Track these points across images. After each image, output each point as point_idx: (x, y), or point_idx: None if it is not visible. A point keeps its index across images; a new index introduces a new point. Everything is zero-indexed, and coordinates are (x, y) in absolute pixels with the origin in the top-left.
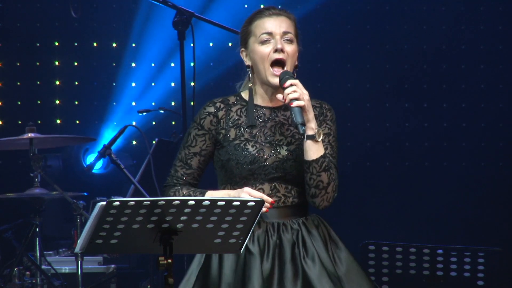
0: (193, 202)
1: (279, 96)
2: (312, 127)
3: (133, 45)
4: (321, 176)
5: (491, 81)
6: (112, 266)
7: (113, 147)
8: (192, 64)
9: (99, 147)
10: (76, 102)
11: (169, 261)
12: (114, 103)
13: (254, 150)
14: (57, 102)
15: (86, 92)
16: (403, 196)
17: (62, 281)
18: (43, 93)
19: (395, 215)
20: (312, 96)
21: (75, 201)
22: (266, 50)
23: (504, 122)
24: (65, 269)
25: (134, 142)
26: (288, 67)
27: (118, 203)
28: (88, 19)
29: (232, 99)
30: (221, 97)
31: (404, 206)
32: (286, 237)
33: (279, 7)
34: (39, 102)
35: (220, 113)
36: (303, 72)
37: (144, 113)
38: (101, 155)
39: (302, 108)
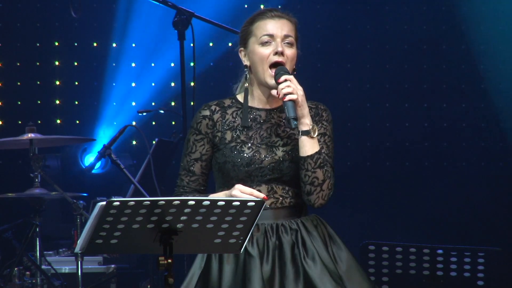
0: (193, 202)
1: (274, 91)
2: (307, 123)
3: (133, 45)
4: (316, 173)
5: (491, 81)
6: (112, 266)
7: (113, 147)
8: (192, 64)
9: (98, 147)
10: (76, 102)
11: (169, 261)
12: (114, 103)
13: (250, 152)
14: (57, 102)
15: (86, 92)
16: (403, 196)
17: (62, 281)
18: (43, 93)
19: (395, 215)
20: (311, 96)
21: (75, 201)
22: (266, 51)
23: (504, 122)
24: (65, 269)
25: (134, 142)
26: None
27: (118, 203)
28: (88, 19)
29: (227, 101)
30: (216, 100)
31: (404, 206)
32: (286, 238)
33: (279, 7)
34: (39, 102)
35: (216, 116)
36: (303, 72)
37: (144, 113)
38: (101, 155)
39: (295, 103)
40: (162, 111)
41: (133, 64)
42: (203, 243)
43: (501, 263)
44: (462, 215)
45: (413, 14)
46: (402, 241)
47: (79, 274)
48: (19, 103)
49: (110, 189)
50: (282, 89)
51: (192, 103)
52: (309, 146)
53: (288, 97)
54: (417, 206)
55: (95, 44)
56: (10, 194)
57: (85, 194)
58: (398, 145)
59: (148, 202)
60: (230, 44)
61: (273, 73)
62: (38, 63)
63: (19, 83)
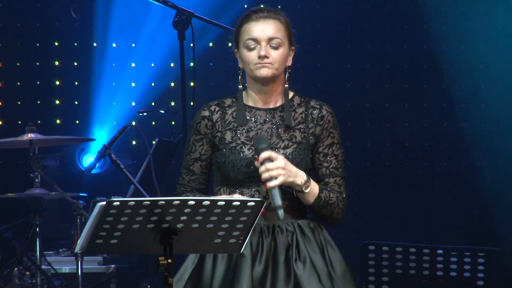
0: (193, 202)
1: (257, 164)
2: (298, 184)
3: (133, 45)
4: (322, 211)
5: (491, 81)
6: (112, 266)
7: (113, 147)
8: (192, 64)
9: (96, 147)
10: (76, 102)
11: (169, 261)
12: (114, 103)
13: (250, 153)
14: (57, 102)
15: (86, 92)
16: (403, 196)
17: (62, 281)
18: (43, 93)
19: (395, 215)
20: (311, 96)
21: (75, 201)
22: (251, 55)
23: (504, 122)
24: (65, 269)
25: (134, 142)
26: (275, 71)
27: (118, 203)
28: (88, 19)
29: (228, 101)
30: (217, 100)
31: (404, 206)
32: (281, 239)
33: (262, 5)
34: (39, 102)
35: (215, 116)
36: (303, 72)
37: (144, 113)
38: (101, 155)
39: (279, 187)
40: (162, 111)
41: (133, 64)
42: (203, 243)
43: (501, 263)
44: (462, 215)
45: (413, 14)
46: (402, 241)
47: (79, 274)
48: (19, 103)
49: (110, 189)
50: (262, 174)
51: (192, 103)
52: (307, 198)
53: (271, 184)
54: (417, 206)
55: (95, 44)
56: (10, 194)
57: (84, 194)
58: (398, 145)
59: (148, 202)
60: (230, 44)
61: (262, 63)
62: (38, 63)
63: (19, 83)
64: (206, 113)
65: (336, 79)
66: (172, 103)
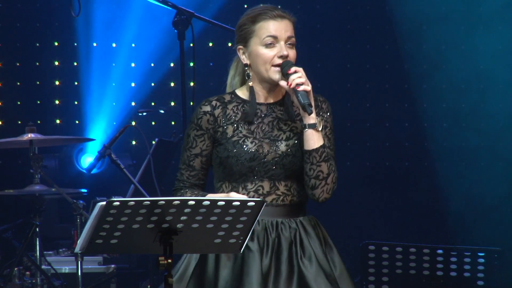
0: (193, 202)
1: (283, 83)
2: (313, 116)
3: (133, 45)
4: (321, 166)
5: (491, 81)
6: (112, 266)
7: (113, 147)
8: (192, 64)
9: (94, 147)
10: (76, 102)
11: (169, 261)
12: (114, 103)
13: (253, 147)
14: (57, 102)
15: (86, 92)
16: (403, 196)
17: (62, 281)
18: (43, 93)
19: (395, 215)
20: None
21: (75, 201)
22: (270, 53)
23: (504, 122)
24: (65, 269)
25: (134, 142)
26: None
27: (118, 203)
28: (88, 19)
29: (227, 97)
30: (216, 96)
31: (404, 206)
32: (285, 235)
33: (279, 7)
34: (39, 102)
35: (217, 111)
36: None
37: (144, 113)
38: (101, 155)
39: (308, 93)
40: (162, 111)
41: (133, 64)
42: (203, 243)
43: (501, 263)
44: (462, 215)
45: (413, 14)
46: (402, 241)
47: (79, 274)
48: (19, 103)
49: (110, 189)
50: (294, 79)
51: (192, 103)
52: (314, 140)
53: (302, 88)
54: (417, 206)
55: (95, 44)
56: (9, 190)
57: (84, 190)
58: (398, 145)
59: (148, 202)
60: (230, 44)
61: (278, 69)
62: (38, 63)
63: (19, 83)
64: (208, 108)
65: (336, 79)
66: (172, 103)
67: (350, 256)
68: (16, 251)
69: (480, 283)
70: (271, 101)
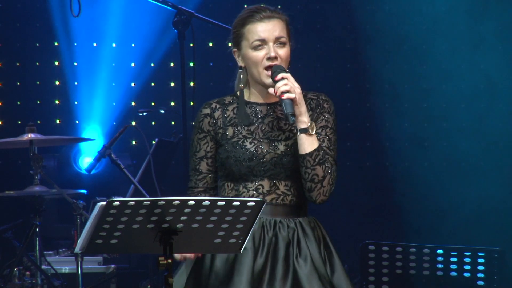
0: (193, 202)
1: (271, 90)
2: (304, 121)
3: (133, 45)
4: (316, 170)
5: (490, 82)
6: (112, 266)
7: (113, 147)
8: (192, 64)
9: (92, 147)
10: (76, 102)
11: (169, 261)
12: (114, 103)
13: (252, 147)
14: (57, 102)
15: (86, 92)
16: (403, 196)
17: (62, 281)
18: (43, 93)
19: (395, 215)
20: None
21: (75, 201)
22: (259, 55)
23: (505, 122)
24: (65, 269)
25: (134, 142)
26: None
27: (118, 203)
28: (88, 19)
29: (228, 99)
30: (217, 98)
31: (404, 206)
32: (282, 234)
33: (262, 5)
34: (39, 102)
35: (216, 114)
36: (303, 72)
37: (144, 113)
38: (101, 155)
39: (293, 101)
40: (162, 111)
41: (133, 64)
42: (203, 243)
43: (501, 263)
44: (462, 215)
45: (413, 14)
46: (402, 241)
47: (79, 274)
48: (19, 103)
49: (110, 189)
50: (279, 87)
51: (192, 103)
52: (307, 144)
53: (286, 96)
54: (417, 206)
55: (95, 44)
56: (9, 192)
57: (84, 191)
58: (398, 145)
59: (148, 202)
60: (230, 44)
61: (269, 73)
62: (38, 63)
63: (19, 83)
64: (208, 110)
65: (336, 79)
66: (172, 103)
67: (350, 256)
68: (16, 251)
69: (480, 283)
70: (271, 101)
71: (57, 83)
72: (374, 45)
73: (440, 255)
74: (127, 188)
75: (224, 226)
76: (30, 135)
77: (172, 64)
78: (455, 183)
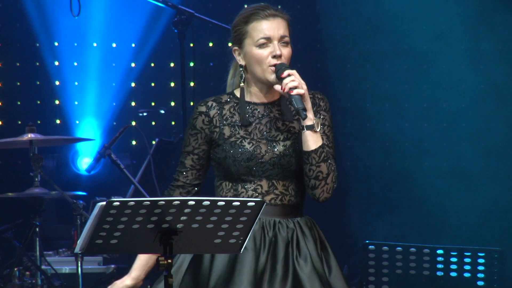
0: (193, 202)
1: (277, 87)
2: (310, 117)
3: (133, 45)
4: (321, 167)
5: (490, 81)
6: (112, 266)
7: (113, 147)
8: (192, 64)
9: (90, 148)
10: (76, 102)
11: (169, 261)
12: (114, 103)
13: (251, 147)
14: (57, 102)
15: (86, 92)
16: (403, 196)
17: (62, 281)
18: (43, 93)
19: (395, 215)
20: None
21: (75, 201)
22: (264, 53)
23: (505, 122)
24: (65, 269)
25: (134, 142)
26: None
27: (118, 203)
28: (88, 19)
29: (224, 97)
30: (213, 96)
31: (404, 206)
32: (282, 235)
33: (277, 7)
34: (39, 102)
35: (212, 112)
36: (303, 72)
37: (144, 113)
38: (101, 155)
39: (302, 96)
40: (162, 111)
41: (133, 64)
42: (203, 243)
43: (501, 263)
44: (463, 215)
45: (413, 14)
46: (402, 241)
47: (79, 274)
48: (19, 103)
49: (110, 189)
50: (287, 83)
51: (192, 103)
52: (313, 141)
53: (295, 91)
54: (417, 206)
55: (95, 44)
56: (10, 193)
57: (84, 193)
58: (398, 145)
59: (148, 202)
60: (230, 44)
61: (273, 69)
62: (38, 63)
63: (19, 83)
64: (203, 108)
65: (336, 79)
66: (172, 103)
67: (350, 256)
68: (16, 251)
69: (480, 283)
70: (269, 101)
71: (57, 83)
72: (374, 45)
73: (440, 255)
74: (127, 188)
75: (224, 226)
76: (30, 135)
77: (172, 64)
78: (455, 183)
